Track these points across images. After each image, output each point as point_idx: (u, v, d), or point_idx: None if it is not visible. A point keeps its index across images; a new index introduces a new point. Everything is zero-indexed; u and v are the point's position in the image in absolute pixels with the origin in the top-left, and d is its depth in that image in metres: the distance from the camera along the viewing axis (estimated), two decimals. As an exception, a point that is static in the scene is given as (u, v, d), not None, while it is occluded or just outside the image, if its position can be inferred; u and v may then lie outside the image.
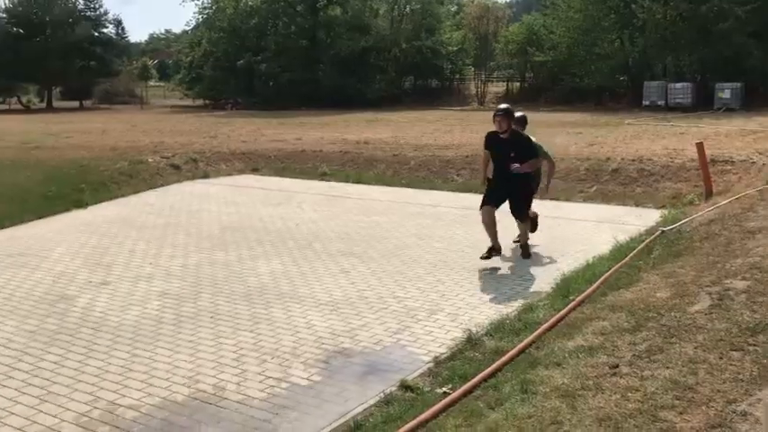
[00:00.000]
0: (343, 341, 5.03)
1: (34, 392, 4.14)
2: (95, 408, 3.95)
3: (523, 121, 8.06)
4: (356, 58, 40.36)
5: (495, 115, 7.22)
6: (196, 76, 48.47)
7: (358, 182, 13.46)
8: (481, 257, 7.13)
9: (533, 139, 7.96)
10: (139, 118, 33.97)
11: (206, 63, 46.04)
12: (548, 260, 7.36)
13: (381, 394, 4.07)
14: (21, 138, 21.07)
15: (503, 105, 7.43)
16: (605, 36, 34.45)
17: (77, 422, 3.78)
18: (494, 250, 7.24)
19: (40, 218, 9.75)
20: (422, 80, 44.02)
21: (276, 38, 42.61)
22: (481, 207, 7.29)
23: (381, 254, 7.66)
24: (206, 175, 14.37)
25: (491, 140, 7.49)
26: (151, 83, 64.91)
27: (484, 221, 7.24)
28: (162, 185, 13.03)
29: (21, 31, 54.51)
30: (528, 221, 7.63)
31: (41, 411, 3.90)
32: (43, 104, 55.59)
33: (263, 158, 16.31)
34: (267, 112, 34.09)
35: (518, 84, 42.44)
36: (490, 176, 7.55)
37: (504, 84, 43.40)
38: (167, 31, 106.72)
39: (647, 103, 29.57)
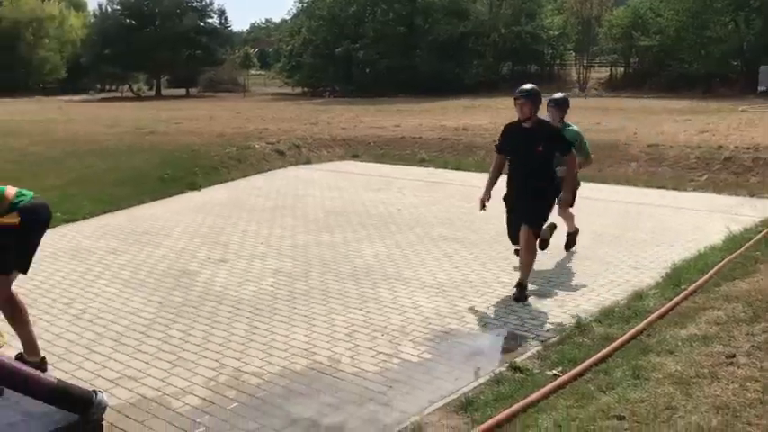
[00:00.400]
0: (450, 322, 5.15)
1: (166, 357, 4.47)
2: (222, 373, 4.24)
3: (565, 104, 6.74)
4: (454, 43, 40.25)
5: (516, 98, 5.56)
6: (296, 64, 49.71)
7: (457, 168, 13.51)
8: (514, 298, 5.60)
9: (576, 128, 6.81)
10: (242, 105, 35.21)
11: (305, 51, 47.14)
12: (657, 249, 7.20)
13: (491, 374, 4.15)
14: (134, 124, 22.30)
15: (527, 86, 5.66)
16: (718, 18, 32.85)
17: (207, 385, 4.07)
18: (523, 288, 5.64)
19: (157, 199, 10.34)
20: (520, 66, 43.37)
21: (374, 25, 43.07)
22: (513, 243, 5.95)
23: (484, 239, 7.70)
24: (308, 161, 14.78)
25: (509, 135, 5.79)
26: (252, 71, 66.93)
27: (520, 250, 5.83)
28: (268, 170, 13.52)
29: (133, 22, 57.42)
30: (534, 251, 5.81)
31: (174, 374, 4.22)
32: (152, 92, 58.48)
33: (362, 145, 16.62)
34: (364, 99, 34.56)
35: (622, 69, 41.12)
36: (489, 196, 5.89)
37: (608, 69, 42.11)
38: (268, 21, 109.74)
39: (764, 88, 28.07)
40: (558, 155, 5.89)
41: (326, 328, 5.01)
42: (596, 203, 9.89)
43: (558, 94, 6.93)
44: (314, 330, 4.96)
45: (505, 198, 5.92)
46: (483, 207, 5.82)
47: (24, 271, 3.98)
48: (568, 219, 7.03)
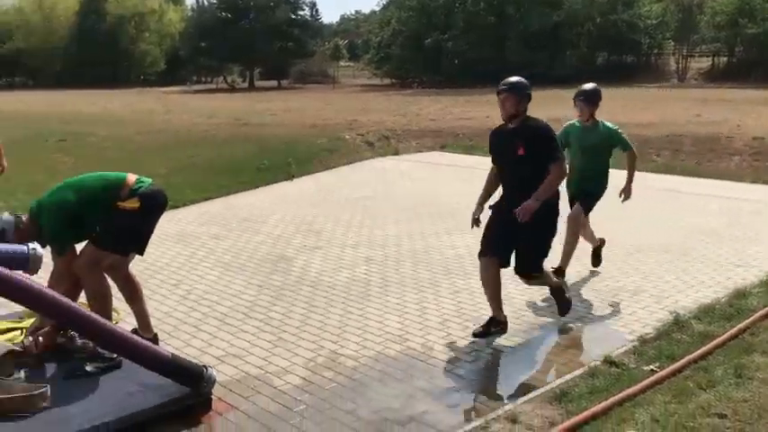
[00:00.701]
0: (543, 314, 5.15)
1: (267, 338, 4.68)
2: (319, 355, 4.40)
3: (595, 96, 5.73)
4: (546, 33, 39.44)
5: (497, 93, 4.64)
6: (385, 55, 50.07)
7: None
8: (474, 334, 4.68)
9: (611, 124, 5.88)
10: (332, 97, 35.81)
11: (394, 42, 47.37)
12: (762, 247, 6.91)
13: (585, 367, 4.14)
14: (230, 115, 23.13)
15: (511, 78, 4.73)
16: (834, 3, 30.77)
17: (306, 366, 4.24)
18: (495, 323, 4.74)
19: (254, 188, 10.71)
20: (616, 55, 42.08)
21: (464, 15, 42.75)
22: (480, 256, 4.80)
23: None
24: (397, 152, 14.91)
25: (494, 139, 4.83)
26: (341, 63, 67.85)
27: (482, 278, 4.80)
28: (358, 161, 13.74)
29: (228, 15, 59.31)
30: (544, 278, 4.81)
31: (275, 354, 4.41)
32: (245, 84, 60.23)
33: (451, 136, 16.62)
34: (453, 89, 34.46)
35: (725, 59, 39.19)
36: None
37: (709, 59, 40.26)
38: (357, 12, 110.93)
39: None
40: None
41: (419, 315, 5.10)
42: (695, 199, 9.56)
43: (588, 85, 5.86)
44: (406, 318, 5.06)
45: (493, 206, 4.84)
46: (475, 223, 4.88)
47: (141, 252, 4.27)
48: (586, 230, 6.07)
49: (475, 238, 7.38)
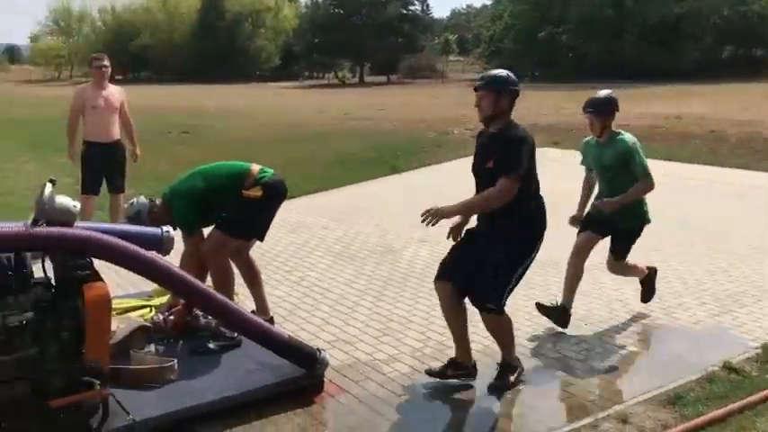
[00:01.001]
0: (658, 317, 4.99)
1: (376, 326, 4.80)
2: (427, 345, 4.48)
3: (607, 106, 4.70)
4: (667, 26, 37.74)
5: (474, 89, 3.88)
6: (495, 49, 49.47)
7: (668, 159, 12.76)
8: (427, 371, 3.99)
9: (630, 137, 4.74)
10: (441, 91, 35.80)
11: (506, 36, 46.72)
12: None
13: (702, 371, 3.99)
14: (341, 109, 23.62)
15: (491, 71, 4.05)
16: None
17: (413, 355, 4.32)
18: (454, 365, 3.99)
19: (363, 180, 10.92)
20: (744, 49, 39.66)
21: (580, 8, 41.55)
22: (435, 279, 4.07)
23: (693, 233, 7.29)
24: (506, 148, 14.73)
25: (475, 145, 4.13)
26: (451, 57, 67.64)
27: (441, 306, 4.05)
28: (466, 156, 13.62)
29: (341, 11, 60.43)
30: (500, 321, 3.97)
31: (383, 342, 4.53)
32: (356, 79, 61.18)
33: (564, 132, 16.26)
34: (566, 84, 33.55)
35: None
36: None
37: None
38: (468, 6, 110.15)
39: None
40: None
41: (527, 313, 5.06)
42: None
43: (601, 93, 4.83)
44: (516, 315, 5.01)
45: (468, 230, 4.22)
46: (453, 234, 4.26)
47: (261, 238, 4.50)
48: (627, 270, 5.13)
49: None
